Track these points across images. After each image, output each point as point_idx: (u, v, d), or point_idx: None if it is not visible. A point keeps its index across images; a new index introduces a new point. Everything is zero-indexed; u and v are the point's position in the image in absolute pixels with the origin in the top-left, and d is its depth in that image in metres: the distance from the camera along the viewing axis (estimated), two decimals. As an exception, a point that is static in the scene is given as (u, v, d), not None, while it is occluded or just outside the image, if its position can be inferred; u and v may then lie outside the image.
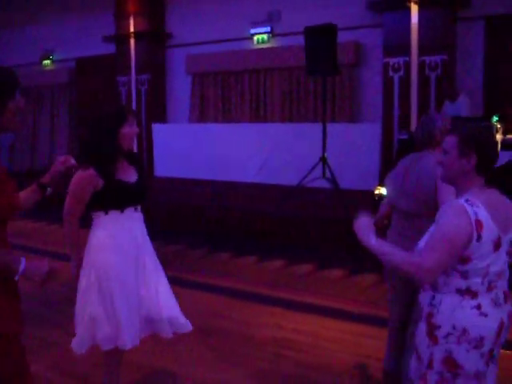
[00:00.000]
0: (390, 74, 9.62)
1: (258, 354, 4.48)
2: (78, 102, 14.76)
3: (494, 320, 2.39)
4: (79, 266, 3.33)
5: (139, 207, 3.45)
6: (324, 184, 8.60)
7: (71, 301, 3.35)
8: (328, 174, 8.40)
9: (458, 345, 2.37)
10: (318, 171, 8.59)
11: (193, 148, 11.16)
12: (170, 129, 12.23)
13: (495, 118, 7.61)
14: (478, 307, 2.37)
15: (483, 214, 2.32)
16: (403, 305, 3.58)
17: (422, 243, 2.49)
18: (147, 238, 3.51)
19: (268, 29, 11.35)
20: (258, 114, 11.67)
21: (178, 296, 3.56)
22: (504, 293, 2.45)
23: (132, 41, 12.76)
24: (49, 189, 2.83)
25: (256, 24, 11.46)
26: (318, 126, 8.87)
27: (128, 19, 12.70)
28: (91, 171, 3.24)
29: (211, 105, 12.17)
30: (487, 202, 2.36)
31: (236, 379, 4.05)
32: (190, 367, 4.18)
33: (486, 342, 2.38)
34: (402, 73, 9.52)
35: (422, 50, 9.33)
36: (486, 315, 2.37)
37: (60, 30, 14.40)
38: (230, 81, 11.98)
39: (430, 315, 2.46)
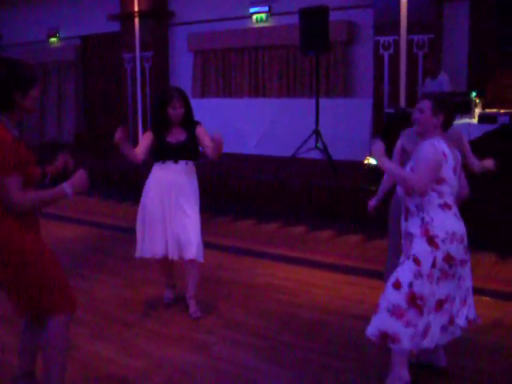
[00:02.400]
0: (381, 51, 10.16)
1: (258, 297, 5.22)
2: (84, 79, 15.25)
3: (463, 223, 3.46)
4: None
5: (182, 161, 4.70)
6: (317, 155, 9.20)
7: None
8: (321, 146, 9.01)
9: (451, 244, 3.35)
10: (312, 143, 9.22)
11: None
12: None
13: (473, 94, 8.26)
14: (455, 215, 3.43)
15: (446, 149, 3.38)
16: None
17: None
18: (184, 184, 4.72)
19: (266, 8, 11.78)
20: (257, 90, 12.16)
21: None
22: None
23: (136, 19, 13.18)
24: (48, 177, 3.51)
25: (255, 3, 11.89)
26: (313, 101, 9.47)
27: (132, -2, 13.23)
28: (149, 130, 4.83)
29: (212, 80, 12.66)
30: (447, 144, 3.40)
31: (241, 317, 4.79)
32: (205, 312, 4.90)
33: (465, 237, 3.43)
34: (391, 50, 10.07)
35: (411, 29, 9.83)
36: (459, 219, 3.45)
37: (66, 9, 14.77)
38: (230, 58, 12.46)
39: (427, 231, 3.36)
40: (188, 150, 4.73)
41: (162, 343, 4.33)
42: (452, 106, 3.54)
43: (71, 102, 15.44)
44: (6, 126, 2.97)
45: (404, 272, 3.40)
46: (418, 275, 3.34)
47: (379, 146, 3.44)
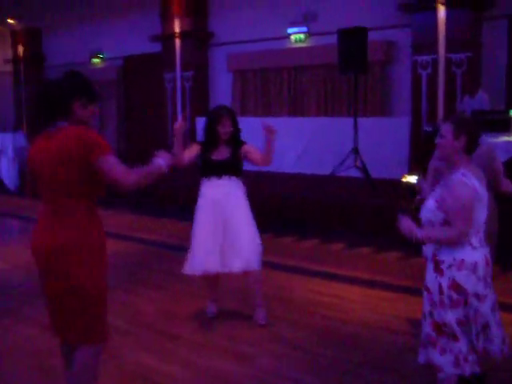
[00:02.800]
0: (419, 71, 10.22)
1: (298, 311, 5.33)
2: (125, 98, 15.63)
3: (481, 253, 3.23)
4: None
5: (225, 176, 4.96)
6: (356, 173, 9.28)
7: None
8: (359, 164, 9.10)
9: (458, 271, 3.17)
10: (351, 162, 9.31)
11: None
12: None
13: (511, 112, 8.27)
14: (470, 244, 3.20)
15: (476, 183, 3.16)
16: None
17: (430, 203, 3.31)
18: (231, 197, 4.96)
19: (305, 29, 11.95)
20: (295, 109, 12.31)
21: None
22: (484, 238, 3.30)
23: (177, 40, 13.54)
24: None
25: (293, 24, 12.07)
26: (351, 120, 9.57)
27: (173, 20, 13.45)
28: (195, 143, 5.12)
29: (251, 100, 12.86)
30: (474, 173, 3.21)
31: (283, 330, 4.90)
32: (247, 325, 5.03)
33: (479, 267, 3.18)
34: (429, 70, 10.13)
35: (449, 48, 9.87)
36: (475, 248, 3.21)
37: (108, 30, 15.20)
38: (269, 77, 12.65)
39: (435, 255, 3.27)
40: (230, 167, 5.00)
41: (205, 354, 4.45)
42: (474, 127, 3.28)
43: (113, 121, 15.79)
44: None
45: (424, 301, 3.36)
46: (433, 303, 3.27)
47: (406, 222, 3.32)
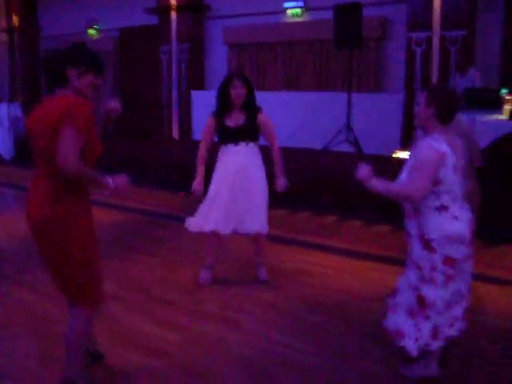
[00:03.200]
0: (413, 47, 10.28)
1: (289, 281, 5.48)
2: (121, 70, 15.64)
3: (465, 219, 3.38)
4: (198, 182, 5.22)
5: (242, 142, 5.09)
6: (348, 148, 9.40)
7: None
8: (351, 139, 9.21)
9: (450, 246, 3.31)
10: (343, 136, 9.42)
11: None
12: (208, 95, 12.75)
13: (504, 90, 8.36)
14: (453, 216, 3.33)
15: (445, 147, 3.26)
16: None
17: (403, 175, 3.44)
18: (247, 164, 5.10)
19: (301, 3, 12.02)
20: (290, 83, 12.42)
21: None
22: (463, 200, 3.44)
23: (173, 13, 13.54)
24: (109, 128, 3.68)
25: (289, -2, 12.19)
26: (345, 95, 9.66)
27: (170, -8, 13.53)
28: (210, 116, 5.18)
29: (247, 74, 12.92)
30: (447, 140, 3.31)
31: (273, 298, 5.05)
32: (236, 293, 5.19)
33: (466, 234, 3.34)
34: (424, 47, 10.19)
35: (443, 26, 9.96)
36: (459, 219, 3.34)
37: (104, 1, 15.21)
38: (265, 51, 12.73)
39: (422, 234, 3.37)
40: (247, 133, 5.11)
41: (197, 319, 4.59)
42: (446, 97, 3.34)
43: (108, 92, 15.79)
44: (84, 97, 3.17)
45: (411, 275, 3.49)
46: (423, 280, 3.40)
47: (365, 170, 3.43)
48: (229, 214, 5.11)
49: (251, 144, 5.15)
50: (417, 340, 3.42)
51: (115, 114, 3.63)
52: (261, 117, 5.14)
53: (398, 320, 3.55)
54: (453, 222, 3.33)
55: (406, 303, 3.53)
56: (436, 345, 3.44)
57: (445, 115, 3.34)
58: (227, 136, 5.12)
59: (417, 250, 3.43)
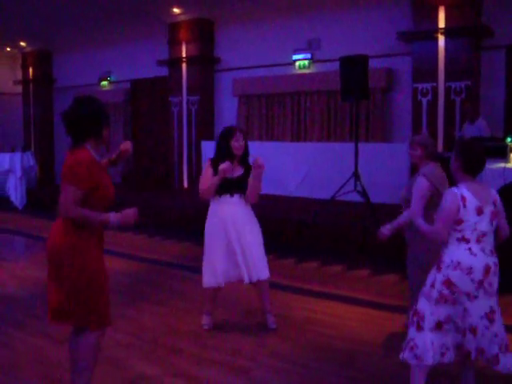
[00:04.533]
0: (419, 98, 10.51)
1: (298, 329, 5.51)
2: (132, 120, 15.92)
3: (481, 260, 3.58)
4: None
5: (237, 194, 5.24)
6: (356, 198, 9.48)
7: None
8: (359, 188, 9.30)
9: (453, 271, 3.58)
10: (351, 186, 9.51)
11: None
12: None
13: (509, 139, 8.49)
14: (470, 249, 3.59)
15: (465, 192, 3.60)
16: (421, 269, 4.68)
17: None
18: (242, 214, 5.25)
19: (309, 55, 12.32)
20: (299, 134, 12.62)
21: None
22: (490, 249, 3.65)
23: (184, 65, 13.91)
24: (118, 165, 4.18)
25: (298, 51, 12.45)
26: (352, 146, 9.78)
27: (180, 45, 13.87)
28: (208, 163, 5.26)
29: (256, 124, 13.16)
30: (470, 188, 3.63)
31: (282, 346, 5.09)
32: (246, 340, 5.24)
33: (475, 271, 3.55)
34: (429, 97, 10.41)
35: (448, 77, 10.20)
36: (475, 255, 3.58)
37: (117, 54, 15.64)
38: (273, 102, 12.98)
39: (440, 257, 3.70)
40: (243, 185, 5.26)
41: (205, 366, 4.63)
42: (472, 151, 3.70)
43: (120, 142, 15.99)
44: (88, 149, 3.55)
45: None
46: (422, 294, 3.75)
47: (386, 228, 4.19)
48: (234, 264, 5.26)
49: (243, 196, 5.31)
50: (412, 349, 3.67)
51: (127, 154, 4.11)
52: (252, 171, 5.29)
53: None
54: (467, 253, 3.58)
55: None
56: (429, 359, 3.62)
57: (471, 167, 3.68)
58: (224, 187, 5.22)
59: (432, 270, 3.76)
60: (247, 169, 5.28)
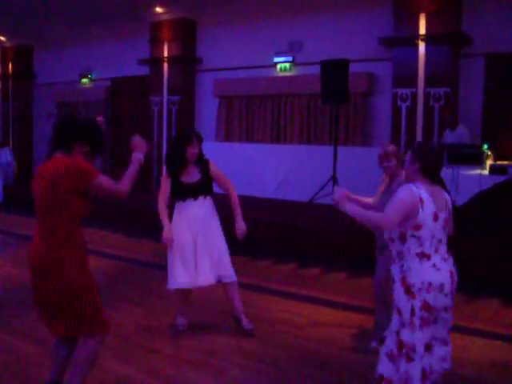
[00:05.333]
0: (399, 103, 10.58)
1: (273, 330, 5.54)
2: (113, 119, 15.85)
3: (446, 270, 3.54)
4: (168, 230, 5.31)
5: (200, 197, 5.30)
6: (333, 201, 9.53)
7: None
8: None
9: (428, 293, 3.47)
10: (329, 189, 9.55)
11: (217, 165, 12.07)
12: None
13: (485, 146, 8.61)
14: (434, 265, 3.51)
15: (424, 194, 3.49)
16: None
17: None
18: (207, 216, 5.32)
19: (290, 58, 12.33)
20: (278, 136, 12.62)
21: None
22: (446, 252, 3.62)
23: (165, 64, 13.87)
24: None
25: (279, 53, 12.46)
26: (331, 149, 9.84)
27: (162, 44, 13.82)
28: (165, 175, 5.35)
29: (236, 126, 13.14)
30: (428, 191, 3.53)
31: (256, 347, 5.11)
32: (220, 341, 5.25)
33: (446, 285, 3.50)
34: (409, 102, 10.49)
35: (428, 83, 10.26)
36: (439, 269, 3.51)
37: (98, 52, 15.50)
38: (254, 104, 12.96)
39: (404, 278, 3.54)
40: (204, 187, 5.35)
41: (181, 367, 4.65)
42: (429, 155, 3.64)
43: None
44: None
45: (394, 321, 3.63)
46: (402, 324, 3.54)
47: (341, 192, 3.66)
48: (198, 267, 5.27)
49: (208, 197, 5.40)
50: (407, 381, 3.52)
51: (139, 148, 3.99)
52: (212, 168, 5.41)
53: (379, 366, 3.66)
54: (433, 271, 3.49)
55: (387, 348, 3.64)
56: None
57: (428, 170, 3.60)
58: (185, 192, 5.32)
59: (399, 294, 3.57)
60: (204, 171, 5.36)
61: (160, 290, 6.83)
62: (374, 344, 4.82)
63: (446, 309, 3.56)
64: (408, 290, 3.51)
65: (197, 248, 5.27)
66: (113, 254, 8.75)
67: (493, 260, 6.91)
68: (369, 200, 5.10)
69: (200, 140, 5.32)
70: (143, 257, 8.64)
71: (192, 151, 5.23)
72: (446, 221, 3.58)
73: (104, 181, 3.54)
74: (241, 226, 5.36)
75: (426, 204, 3.47)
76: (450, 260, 3.62)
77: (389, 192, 4.97)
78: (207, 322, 5.75)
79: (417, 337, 3.49)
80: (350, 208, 3.59)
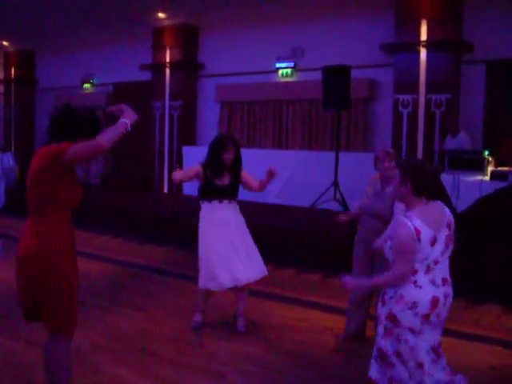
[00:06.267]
0: (400, 109, 10.60)
1: (273, 335, 5.56)
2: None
3: (427, 293, 3.33)
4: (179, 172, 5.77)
5: (225, 200, 5.46)
6: (335, 206, 9.56)
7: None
8: (339, 197, 9.38)
9: (396, 304, 3.36)
10: (331, 195, 9.59)
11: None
12: (199, 151, 13.10)
13: (486, 152, 8.62)
14: (415, 282, 3.34)
15: (418, 224, 3.31)
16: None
17: (381, 242, 3.74)
18: (234, 218, 5.49)
19: (292, 64, 12.39)
20: (280, 141, 12.67)
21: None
22: (442, 278, 3.41)
23: (167, 70, 13.93)
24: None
25: (281, 59, 12.51)
26: (333, 154, 9.87)
27: (164, 50, 13.89)
28: (200, 166, 5.47)
29: (237, 131, 13.15)
30: (422, 215, 3.36)
31: (256, 352, 5.12)
32: (221, 346, 5.26)
33: (420, 306, 3.30)
34: (410, 108, 10.51)
35: (429, 89, 10.31)
36: (420, 287, 3.33)
37: (101, 57, 15.60)
38: (256, 110, 13.02)
39: (384, 289, 3.51)
40: (231, 191, 5.53)
41: (180, 371, 4.64)
42: (421, 172, 3.41)
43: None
44: None
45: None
46: (376, 330, 3.55)
47: (351, 279, 3.59)
48: (235, 266, 5.40)
49: (232, 201, 5.54)
50: None
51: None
52: (244, 174, 5.59)
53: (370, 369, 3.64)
54: (411, 286, 3.36)
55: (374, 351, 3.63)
56: None
57: (422, 189, 3.40)
58: (213, 193, 5.47)
59: (378, 302, 3.57)
60: (235, 177, 5.52)
61: (160, 295, 6.86)
62: None
63: (412, 330, 3.36)
64: (382, 298, 3.50)
65: (237, 247, 5.43)
66: (113, 259, 8.75)
67: (494, 265, 6.91)
68: (356, 211, 5.21)
69: (236, 146, 5.46)
70: (144, 261, 8.63)
71: (227, 157, 5.40)
72: (447, 238, 3.42)
73: (77, 145, 3.36)
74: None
75: (422, 233, 3.30)
76: (443, 288, 3.41)
77: (383, 196, 5.01)
78: (208, 326, 5.73)
79: (383, 344, 3.45)
80: (370, 284, 3.75)
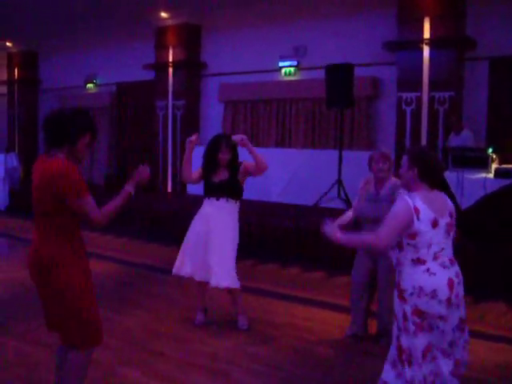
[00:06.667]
0: (403, 107, 10.59)
1: (278, 334, 5.56)
2: (118, 123, 15.90)
3: (442, 277, 3.41)
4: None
5: (223, 198, 5.49)
6: (339, 205, 9.55)
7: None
8: (343, 196, 9.37)
9: (419, 298, 3.40)
10: (335, 193, 9.59)
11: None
12: (203, 151, 13.22)
13: (490, 149, 8.61)
14: (427, 270, 3.41)
15: (419, 203, 3.40)
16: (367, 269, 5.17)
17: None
18: (224, 219, 5.46)
19: (295, 62, 12.38)
20: (283, 140, 12.67)
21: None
22: (449, 259, 3.50)
23: (170, 69, 13.93)
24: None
25: (284, 58, 12.51)
26: (336, 153, 9.86)
27: (167, 49, 13.89)
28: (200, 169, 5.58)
29: (241, 130, 13.04)
30: (424, 198, 3.45)
31: (261, 350, 5.13)
32: (226, 345, 5.27)
33: (440, 292, 3.37)
34: (413, 106, 10.50)
35: (432, 87, 10.28)
36: (434, 274, 3.40)
37: (103, 57, 15.59)
38: (259, 109, 13.01)
39: (398, 284, 3.52)
40: (228, 189, 5.50)
41: (186, 370, 4.66)
42: (427, 159, 3.54)
43: (104, 146, 16.01)
44: (63, 157, 3.36)
45: (394, 326, 3.59)
46: (399, 329, 3.50)
47: (330, 226, 3.68)
48: (202, 262, 5.46)
49: (231, 200, 5.54)
50: None
51: (143, 182, 3.76)
52: (244, 164, 5.58)
53: (383, 373, 3.63)
54: (426, 276, 3.41)
55: (390, 355, 3.61)
56: None
57: (427, 175, 3.51)
58: (211, 190, 5.57)
59: (394, 299, 3.55)
60: (233, 173, 5.51)
61: (165, 295, 6.87)
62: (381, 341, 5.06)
63: (441, 318, 3.43)
64: (401, 295, 3.49)
65: (208, 245, 5.42)
66: (118, 259, 8.77)
67: (498, 263, 6.91)
68: (349, 214, 5.21)
69: (230, 145, 5.46)
70: (149, 261, 8.65)
71: (222, 157, 5.45)
72: (449, 225, 3.49)
73: (88, 203, 3.34)
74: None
75: (421, 213, 3.38)
76: (453, 268, 3.50)
77: (378, 199, 5.00)
78: (213, 325, 5.75)
79: (412, 342, 3.43)
80: (344, 238, 3.64)
